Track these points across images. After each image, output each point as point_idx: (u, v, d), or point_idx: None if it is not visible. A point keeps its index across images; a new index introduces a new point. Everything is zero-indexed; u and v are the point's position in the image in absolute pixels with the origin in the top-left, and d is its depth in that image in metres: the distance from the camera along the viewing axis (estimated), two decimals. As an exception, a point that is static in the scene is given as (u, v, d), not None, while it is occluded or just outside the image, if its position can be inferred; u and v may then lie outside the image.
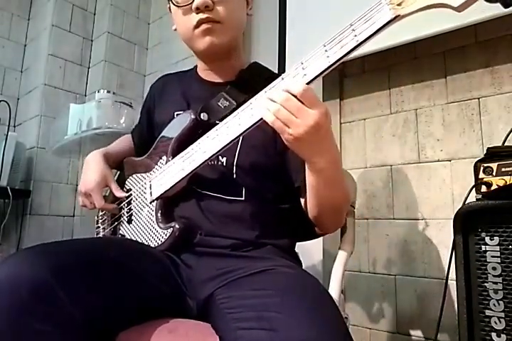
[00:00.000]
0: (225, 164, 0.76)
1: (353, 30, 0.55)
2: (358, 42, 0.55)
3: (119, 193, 0.86)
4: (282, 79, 0.62)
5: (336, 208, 0.74)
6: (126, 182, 0.90)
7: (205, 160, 0.69)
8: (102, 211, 0.94)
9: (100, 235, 0.93)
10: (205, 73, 0.88)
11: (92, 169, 0.87)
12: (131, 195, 0.86)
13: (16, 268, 0.51)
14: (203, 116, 0.79)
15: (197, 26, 0.76)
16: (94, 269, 0.58)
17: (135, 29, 2.34)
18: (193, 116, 0.78)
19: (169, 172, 0.75)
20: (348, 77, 1.55)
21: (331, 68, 0.58)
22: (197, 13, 0.75)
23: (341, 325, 0.52)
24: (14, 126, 2.18)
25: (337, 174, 0.68)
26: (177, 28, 0.83)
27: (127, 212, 0.85)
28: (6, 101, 1.97)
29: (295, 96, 0.57)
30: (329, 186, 0.68)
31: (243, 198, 0.75)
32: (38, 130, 2.06)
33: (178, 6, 0.78)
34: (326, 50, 0.57)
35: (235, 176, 0.76)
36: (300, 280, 0.62)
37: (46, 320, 0.49)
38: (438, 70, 1.32)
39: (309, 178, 0.68)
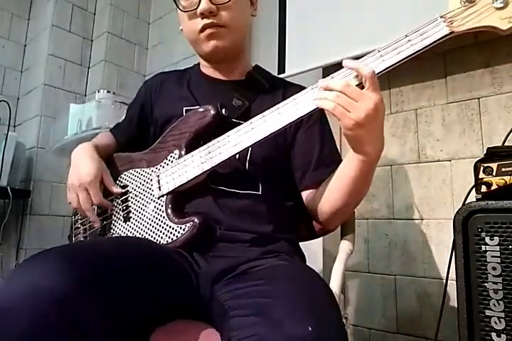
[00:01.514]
0: (237, 158, 0.75)
1: (409, 40, 0.61)
2: (415, 51, 0.61)
3: (116, 189, 0.81)
4: (332, 77, 0.64)
5: (359, 201, 0.76)
6: (120, 178, 0.85)
7: (236, 153, 0.69)
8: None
9: (80, 237, 0.86)
10: (210, 71, 0.89)
11: (86, 161, 0.81)
12: (127, 191, 0.82)
13: (37, 277, 0.47)
14: (225, 111, 0.78)
15: (202, 30, 0.78)
16: (121, 276, 0.54)
17: (135, 29, 2.34)
18: (213, 112, 0.76)
19: (186, 166, 0.73)
20: (348, 77, 1.54)
21: (384, 71, 0.62)
22: (202, 18, 0.77)
23: (333, 311, 0.52)
24: (14, 126, 2.18)
25: (377, 160, 0.70)
26: (183, 30, 0.84)
27: (122, 210, 0.80)
28: (6, 101, 1.97)
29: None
30: (365, 178, 0.70)
31: (260, 192, 0.76)
32: (38, 130, 2.06)
33: (183, 11, 0.80)
34: (381, 55, 0.62)
35: (248, 171, 0.76)
36: (295, 271, 0.64)
37: (69, 333, 0.46)
38: (438, 70, 1.32)
39: (351, 169, 0.68)
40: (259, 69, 0.91)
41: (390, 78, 1.42)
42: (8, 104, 1.97)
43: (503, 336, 0.73)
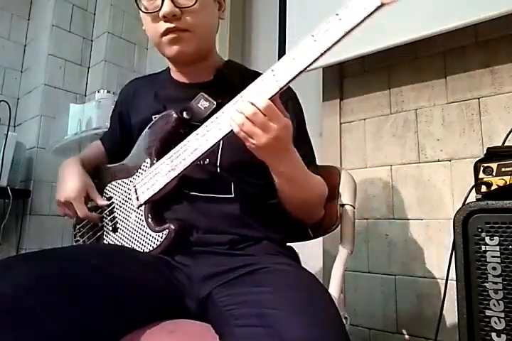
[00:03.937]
0: (208, 164, 0.76)
1: (340, 19, 0.56)
2: (346, 31, 0.56)
3: (102, 202, 0.84)
4: (272, 70, 0.62)
5: (310, 204, 0.79)
6: (105, 190, 0.87)
7: (197, 159, 0.68)
8: (79, 224, 0.90)
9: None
10: (178, 75, 0.87)
11: (71, 176, 0.84)
12: (113, 202, 0.84)
13: None
14: (186, 114, 0.78)
15: (164, 34, 0.75)
16: (76, 280, 0.54)
17: (135, 29, 2.34)
18: (175, 115, 0.77)
19: (156, 175, 0.73)
20: (348, 77, 1.55)
21: (321, 56, 0.58)
22: (164, 21, 0.74)
23: (338, 323, 0.52)
24: (14, 126, 2.18)
25: (299, 175, 0.72)
26: (146, 32, 0.81)
27: (111, 221, 0.83)
28: (6, 101, 1.97)
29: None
30: (293, 186, 0.73)
31: (233, 195, 0.76)
32: (38, 130, 2.06)
33: (145, 12, 0.77)
34: (315, 40, 0.58)
35: (219, 175, 0.76)
36: (298, 278, 0.63)
37: (29, 338, 0.45)
38: (438, 70, 1.32)
39: (275, 179, 0.73)
40: (231, 65, 0.88)
41: (390, 78, 1.43)
42: (8, 104, 1.97)
43: (503, 336, 0.73)
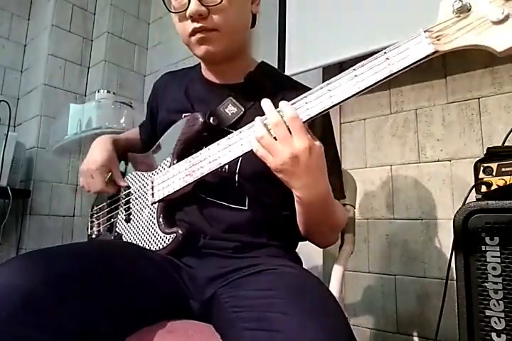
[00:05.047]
0: (227, 171, 0.75)
1: (387, 58, 0.53)
2: (391, 73, 0.53)
3: (122, 182, 0.85)
4: (305, 97, 0.60)
5: (322, 233, 0.76)
6: (126, 178, 0.88)
7: (214, 169, 0.68)
8: (97, 205, 0.93)
9: (94, 230, 0.92)
10: (209, 74, 0.86)
11: (99, 150, 0.86)
12: (130, 192, 0.85)
13: (6, 277, 0.48)
14: (213, 120, 0.77)
15: (192, 34, 0.73)
16: (90, 276, 0.55)
17: (135, 29, 2.34)
18: (201, 120, 0.76)
19: (174, 176, 0.74)
20: (348, 77, 1.54)
21: (359, 94, 0.56)
22: (192, 21, 0.72)
23: (345, 327, 0.52)
24: (14, 126, 2.18)
25: (324, 208, 0.67)
26: (177, 31, 0.80)
27: (126, 210, 0.84)
28: (6, 101, 1.97)
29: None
30: (314, 217, 0.69)
31: (246, 207, 0.75)
32: (38, 130, 2.06)
33: (172, 12, 0.75)
34: (355, 75, 0.55)
35: (237, 184, 0.75)
36: (303, 281, 0.62)
37: (40, 329, 0.46)
38: (438, 70, 1.31)
39: (296, 205, 0.68)
40: (263, 68, 0.86)
41: (390, 78, 1.42)
42: (8, 104, 1.97)
43: (503, 336, 0.73)
